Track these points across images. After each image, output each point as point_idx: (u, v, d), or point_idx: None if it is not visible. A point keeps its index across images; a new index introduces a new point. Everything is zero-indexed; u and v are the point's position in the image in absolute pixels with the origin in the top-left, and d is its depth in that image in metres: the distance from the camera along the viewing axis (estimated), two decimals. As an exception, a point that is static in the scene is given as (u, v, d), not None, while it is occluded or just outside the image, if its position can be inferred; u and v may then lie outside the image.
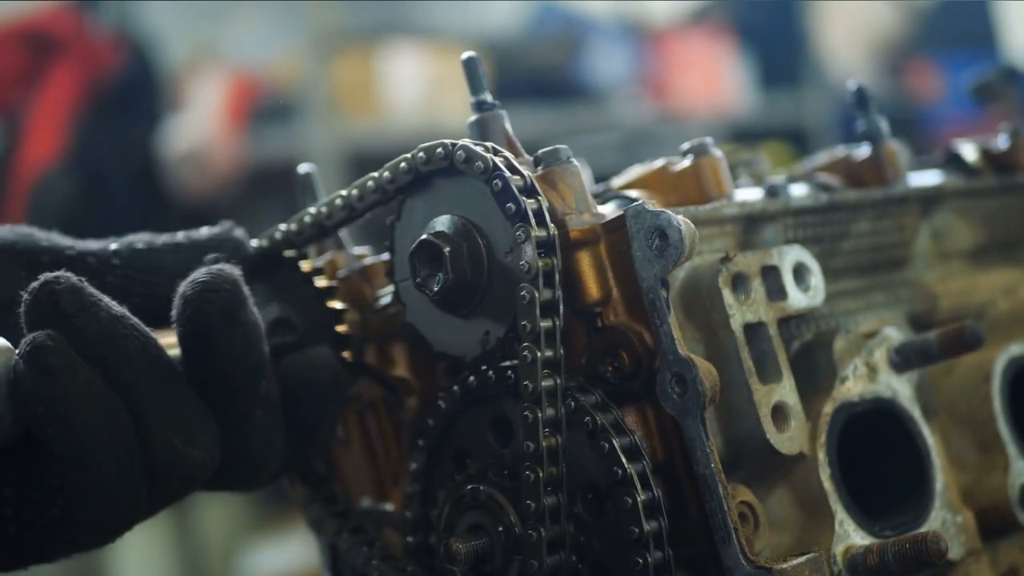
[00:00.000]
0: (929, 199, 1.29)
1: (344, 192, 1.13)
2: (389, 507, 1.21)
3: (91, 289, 0.99)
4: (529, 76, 5.59)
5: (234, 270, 1.04)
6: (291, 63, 5.27)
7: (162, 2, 5.23)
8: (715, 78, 6.54)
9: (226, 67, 5.21)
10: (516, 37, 6.22)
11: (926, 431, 1.15)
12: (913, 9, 7.48)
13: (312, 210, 1.15)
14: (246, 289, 1.04)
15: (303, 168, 1.26)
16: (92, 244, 1.12)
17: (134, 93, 4.73)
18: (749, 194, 1.24)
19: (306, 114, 4.99)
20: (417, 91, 5.30)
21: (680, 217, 1.01)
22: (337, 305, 1.15)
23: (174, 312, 1.03)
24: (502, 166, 1.03)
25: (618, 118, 6.09)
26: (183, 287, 1.03)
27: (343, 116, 5.06)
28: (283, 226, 1.17)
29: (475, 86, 1.13)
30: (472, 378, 1.09)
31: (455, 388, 1.10)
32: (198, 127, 4.73)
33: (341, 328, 1.15)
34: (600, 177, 1.27)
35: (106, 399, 0.96)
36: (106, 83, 4.67)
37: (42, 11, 4.85)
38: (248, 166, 4.83)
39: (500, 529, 1.05)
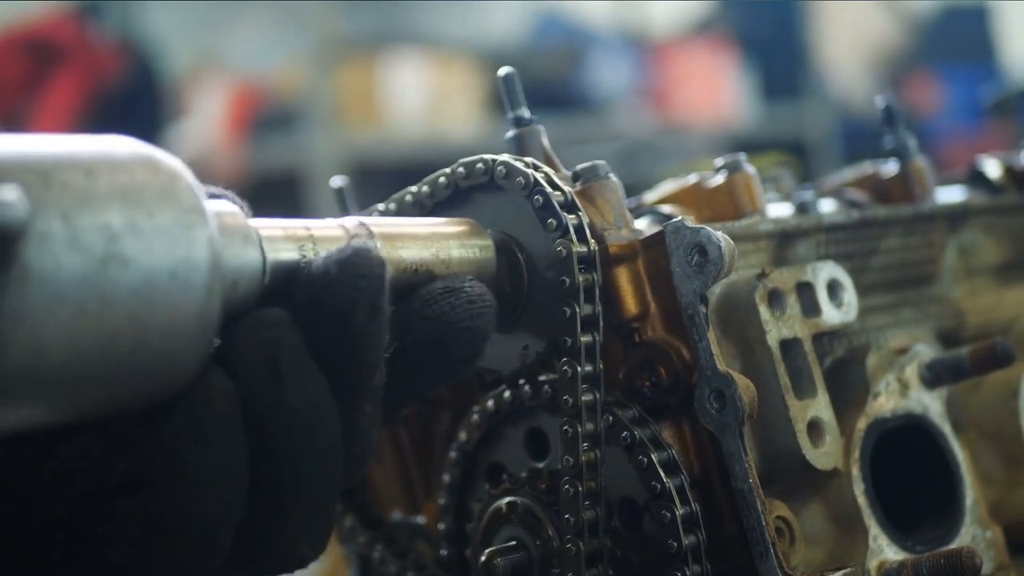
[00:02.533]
0: (956, 216, 1.30)
1: (381, 206, 1.13)
2: (420, 520, 1.21)
3: None
4: (530, 86, 5.56)
5: (377, 250, 0.87)
6: (293, 72, 5.28)
7: (165, 10, 5.24)
8: (716, 90, 6.56)
9: (228, 76, 5.23)
10: (518, 47, 6.23)
11: (956, 447, 1.16)
12: (913, 21, 7.50)
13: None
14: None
15: (335, 181, 1.26)
16: None
17: (136, 101, 4.75)
18: (780, 210, 1.24)
19: (308, 123, 5.00)
20: (419, 101, 5.32)
21: (720, 233, 1.01)
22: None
23: (303, 286, 0.86)
24: (543, 181, 1.03)
25: (619, 129, 6.11)
26: (324, 262, 0.86)
27: (345, 125, 5.06)
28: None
29: (513, 101, 1.13)
30: (508, 392, 1.10)
31: (490, 402, 1.11)
32: (200, 135, 4.74)
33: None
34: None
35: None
36: (108, 91, 4.69)
37: (45, 18, 4.87)
38: (250, 175, 4.84)
39: (537, 543, 1.05)
